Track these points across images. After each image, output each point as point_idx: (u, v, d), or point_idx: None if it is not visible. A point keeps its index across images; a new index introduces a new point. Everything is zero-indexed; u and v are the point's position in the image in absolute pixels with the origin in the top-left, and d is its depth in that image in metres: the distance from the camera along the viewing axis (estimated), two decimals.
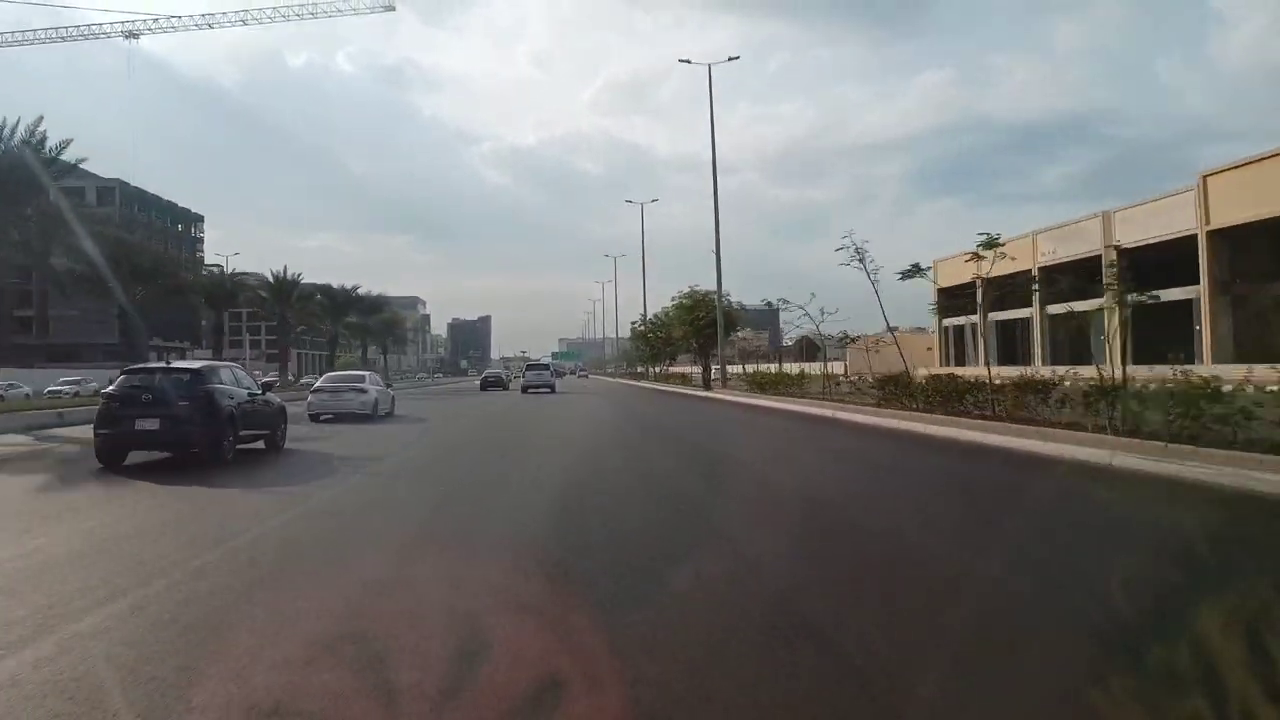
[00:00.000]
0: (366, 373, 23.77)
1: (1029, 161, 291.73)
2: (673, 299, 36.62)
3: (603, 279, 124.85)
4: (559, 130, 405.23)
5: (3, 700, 2.78)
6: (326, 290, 59.61)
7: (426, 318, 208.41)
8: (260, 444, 12.07)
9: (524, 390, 38.07)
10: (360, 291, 63.60)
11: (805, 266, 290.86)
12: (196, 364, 11.49)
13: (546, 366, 44.24)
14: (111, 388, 10.57)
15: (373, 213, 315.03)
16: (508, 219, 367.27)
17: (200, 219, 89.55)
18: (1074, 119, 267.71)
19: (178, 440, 10.35)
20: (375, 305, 67.78)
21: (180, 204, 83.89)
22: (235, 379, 11.64)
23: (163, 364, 11.33)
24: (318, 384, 22.09)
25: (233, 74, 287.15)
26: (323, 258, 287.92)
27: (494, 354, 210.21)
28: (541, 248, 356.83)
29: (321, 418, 19.43)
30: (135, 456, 10.46)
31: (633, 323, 59.83)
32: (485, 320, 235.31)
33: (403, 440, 14.99)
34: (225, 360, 22.31)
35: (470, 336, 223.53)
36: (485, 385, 44.88)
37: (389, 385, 25.56)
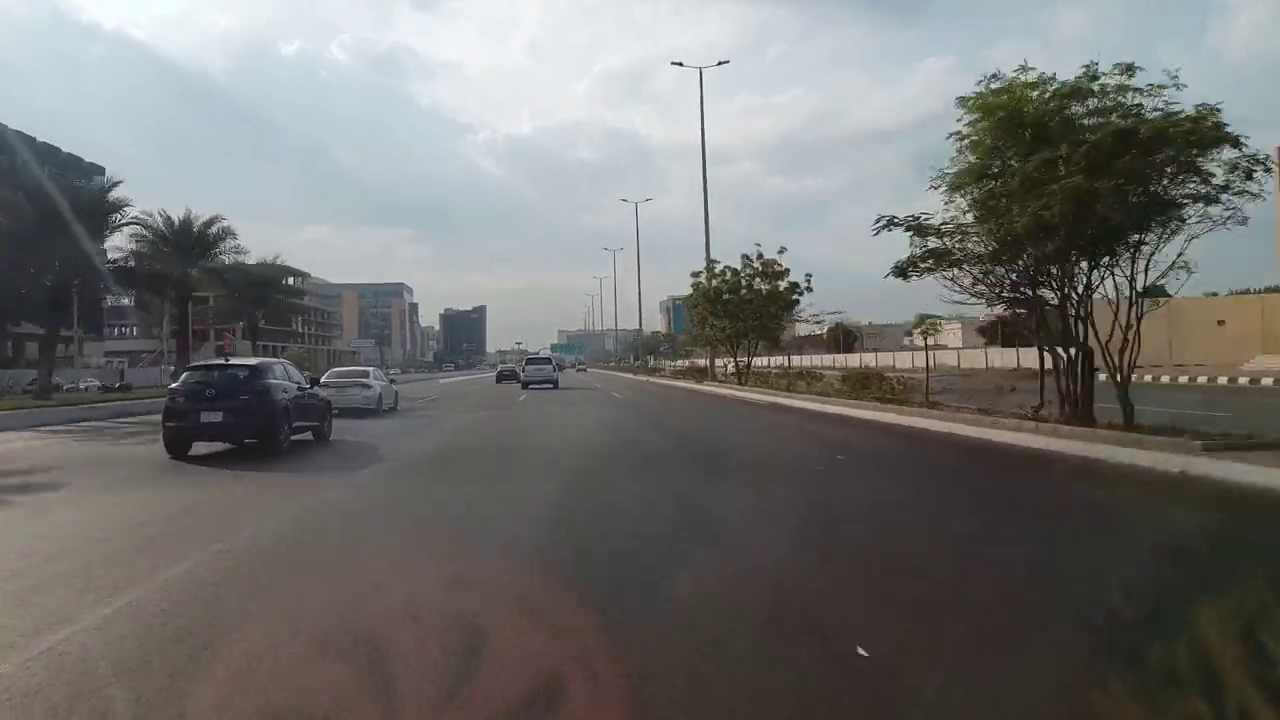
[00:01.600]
0: (370, 369, 24.87)
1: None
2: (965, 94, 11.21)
3: (602, 273, 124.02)
4: (555, 120, 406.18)
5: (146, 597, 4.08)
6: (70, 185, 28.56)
7: (414, 307, 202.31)
8: (309, 435, 12.95)
9: (524, 386, 36.84)
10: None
11: (804, 256, 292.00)
12: (253, 361, 12.46)
13: (548, 360, 42.88)
14: (177, 384, 11.48)
15: (367, 206, 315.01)
16: (504, 211, 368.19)
17: (100, 170, 61.19)
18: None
19: (239, 431, 11.30)
20: (204, 238, 32.03)
21: (66, 149, 62.68)
22: (287, 374, 12.58)
23: (222, 361, 12.22)
24: (323, 379, 22.63)
25: (222, 63, 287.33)
26: (314, 252, 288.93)
27: (489, 347, 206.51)
28: (538, 240, 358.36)
29: None
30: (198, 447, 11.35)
31: (694, 275, 33.10)
32: (480, 311, 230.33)
33: (424, 432, 15.84)
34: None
35: (464, 328, 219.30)
36: (500, 378, 49.24)
37: (393, 380, 26.32)
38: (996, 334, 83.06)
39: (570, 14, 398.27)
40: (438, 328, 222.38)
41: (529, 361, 42.47)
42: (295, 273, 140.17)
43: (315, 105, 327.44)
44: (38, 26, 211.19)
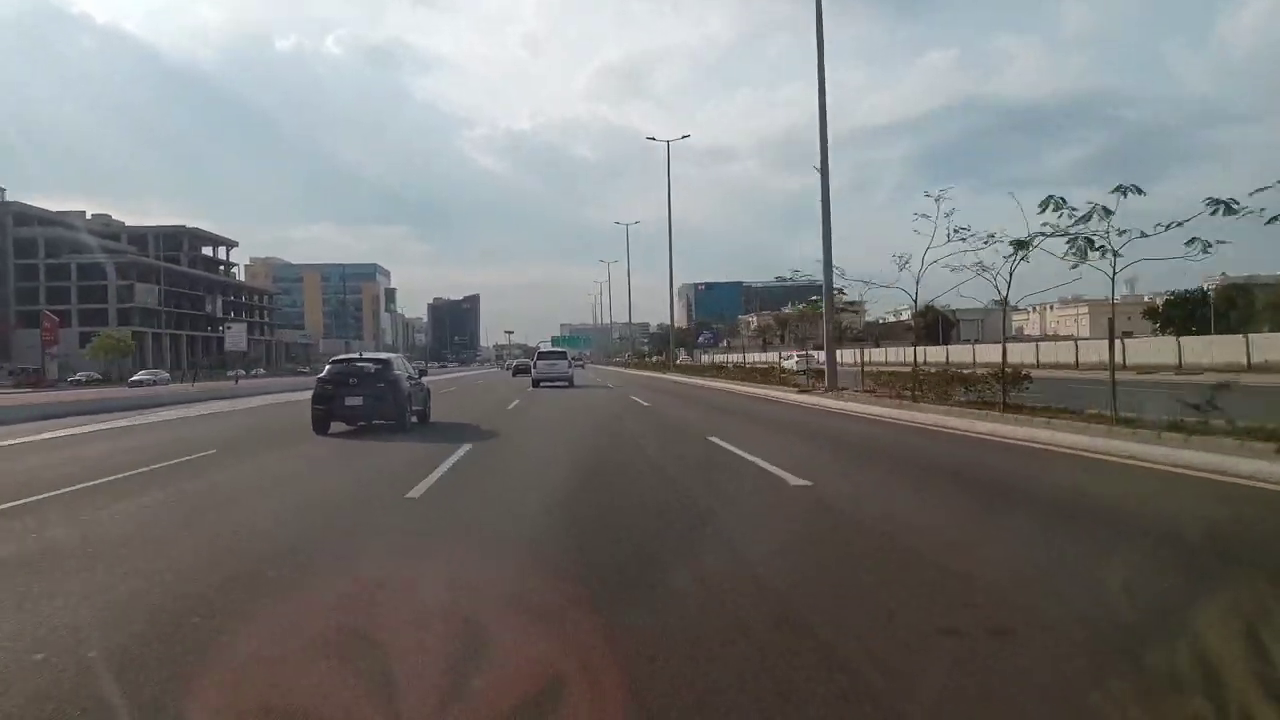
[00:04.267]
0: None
1: (1035, 145, 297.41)
2: None
3: (602, 271, 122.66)
4: (554, 115, 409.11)
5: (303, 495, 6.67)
6: None
7: (391, 293, 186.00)
8: (414, 418, 15.81)
9: (535, 384, 34.16)
10: None
11: (808, 253, 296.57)
12: (384, 355, 15.38)
13: (563, 354, 40.11)
14: (324, 374, 14.44)
15: (367, 203, 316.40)
16: (504, 206, 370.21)
17: None
18: (1080, 101, 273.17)
19: (375, 413, 14.27)
20: None
21: None
22: (404, 366, 15.48)
23: (357, 355, 15.19)
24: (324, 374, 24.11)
25: (216, 58, 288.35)
26: (316, 249, 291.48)
27: (484, 340, 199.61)
28: (539, 235, 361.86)
29: None
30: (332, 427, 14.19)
31: None
32: (473, 300, 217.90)
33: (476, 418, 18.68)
34: None
35: (455, 320, 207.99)
36: (516, 372, 53.01)
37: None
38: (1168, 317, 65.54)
39: (568, 7, 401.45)
40: (426, 319, 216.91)
41: (540, 356, 40.15)
42: (211, 239, 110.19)
43: (311, 101, 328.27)
44: (27, 18, 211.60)
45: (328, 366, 14.79)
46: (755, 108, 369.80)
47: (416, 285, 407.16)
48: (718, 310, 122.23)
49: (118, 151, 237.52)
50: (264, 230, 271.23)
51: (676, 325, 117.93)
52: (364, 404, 14.03)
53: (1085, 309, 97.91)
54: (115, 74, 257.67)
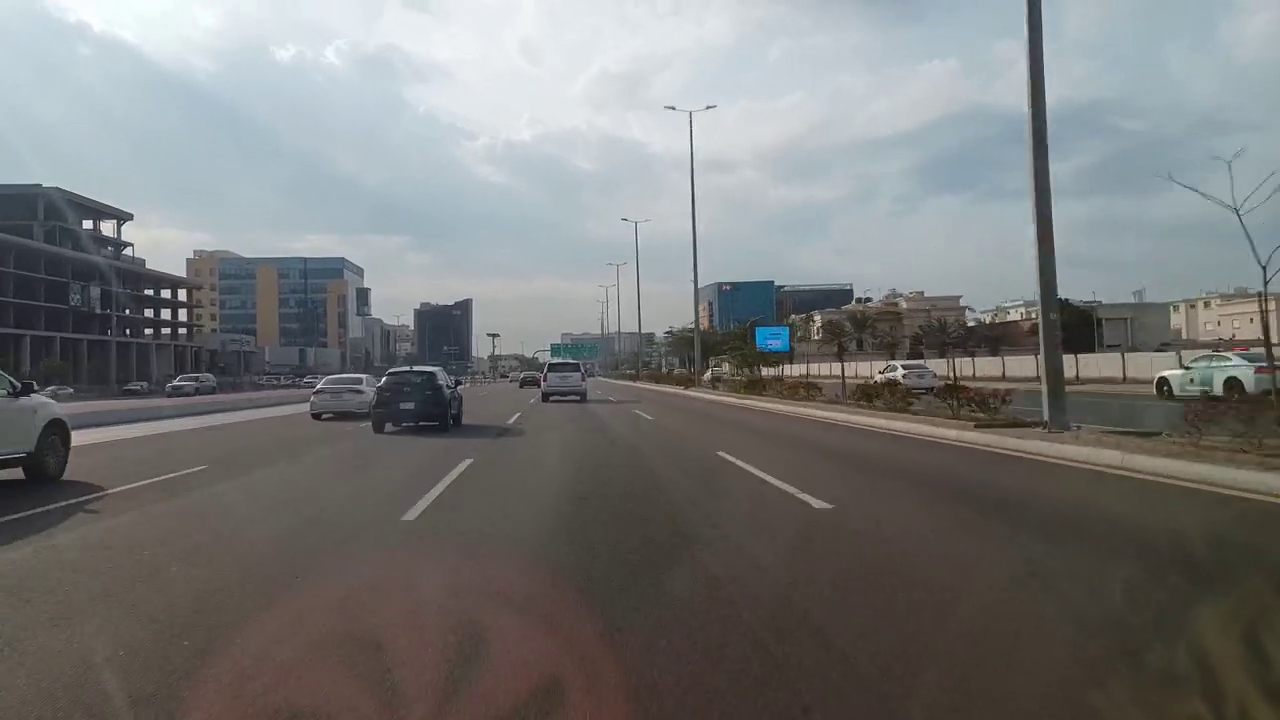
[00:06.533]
0: (364, 376, 28.12)
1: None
2: None
3: (608, 277, 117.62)
4: (554, 126, 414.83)
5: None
6: None
7: (364, 293, 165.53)
8: (452, 420, 19.40)
9: (545, 397, 34.53)
10: None
11: (806, 264, 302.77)
12: (429, 368, 19.20)
13: (576, 367, 39.32)
14: (382, 383, 18.09)
15: (367, 213, 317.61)
16: (505, 217, 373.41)
17: None
18: (1082, 110, 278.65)
19: (424, 416, 18.03)
20: None
21: None
22: (445, 377, 19.15)
23: (409, 368, 18.83)
24: (319, 386, 25.63)
25: (212, 68, 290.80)
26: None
27: (476, 350, 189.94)
28: (540, 247, 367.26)
29: (323, 416, 22.93)
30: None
31: None
32: (464, 306, 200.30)
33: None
34: None
35: (444, 327, 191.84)
36: (524, 384, 59.41)
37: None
38: None
39: (566, 13, 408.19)
40: (412, 326, 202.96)
41: (551, 368, 39.42)
42: (92, 209, 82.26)
43: (311, 111, 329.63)
44: (20, 27, 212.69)
45: (384, 378, 18.52)
46: (755, 117, 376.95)
47: (416, 295, 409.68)
48: (746, 314, 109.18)
49: (116, 161, 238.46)
50: (268, 240, 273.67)
51: (698, 329, 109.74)
52: (415, 408, 17.77)
53: (1272, 304, 66.70)
54: (112, 82, 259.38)
